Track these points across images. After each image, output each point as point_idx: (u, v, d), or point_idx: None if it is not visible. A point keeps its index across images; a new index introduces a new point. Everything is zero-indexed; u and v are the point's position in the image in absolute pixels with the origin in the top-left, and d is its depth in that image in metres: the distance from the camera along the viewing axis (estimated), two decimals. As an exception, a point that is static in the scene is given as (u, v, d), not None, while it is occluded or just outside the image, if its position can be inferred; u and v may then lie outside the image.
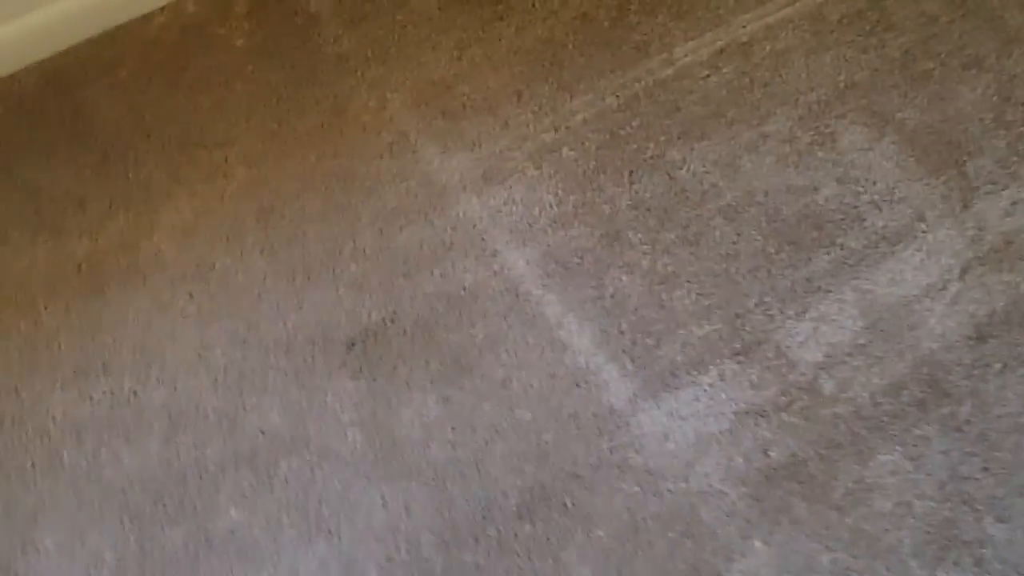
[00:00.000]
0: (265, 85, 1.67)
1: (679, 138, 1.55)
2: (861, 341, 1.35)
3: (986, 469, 1.25)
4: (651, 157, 1.54)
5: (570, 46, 1.68)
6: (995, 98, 1.56)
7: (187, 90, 1.67)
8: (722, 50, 1.65)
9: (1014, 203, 1.46)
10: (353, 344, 1.38)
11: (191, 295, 1.45)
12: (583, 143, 1.56)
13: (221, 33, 1.73)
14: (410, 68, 1.67)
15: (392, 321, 1.40)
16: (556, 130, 1.58)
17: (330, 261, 1.46)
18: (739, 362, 1.34)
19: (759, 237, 1.45)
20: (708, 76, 1.62)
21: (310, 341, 1.39)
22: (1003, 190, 1.47)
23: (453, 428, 1.30)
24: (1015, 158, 1.49)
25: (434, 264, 1.45)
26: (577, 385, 1.33)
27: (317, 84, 1.67)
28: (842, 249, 1.43)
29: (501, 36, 1.70)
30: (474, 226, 1.49)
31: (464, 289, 1.43)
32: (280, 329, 1.40)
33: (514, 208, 1.50)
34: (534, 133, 1.58)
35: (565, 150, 1.56)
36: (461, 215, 1.50)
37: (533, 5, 1.72)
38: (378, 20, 1.74)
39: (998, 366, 1.32)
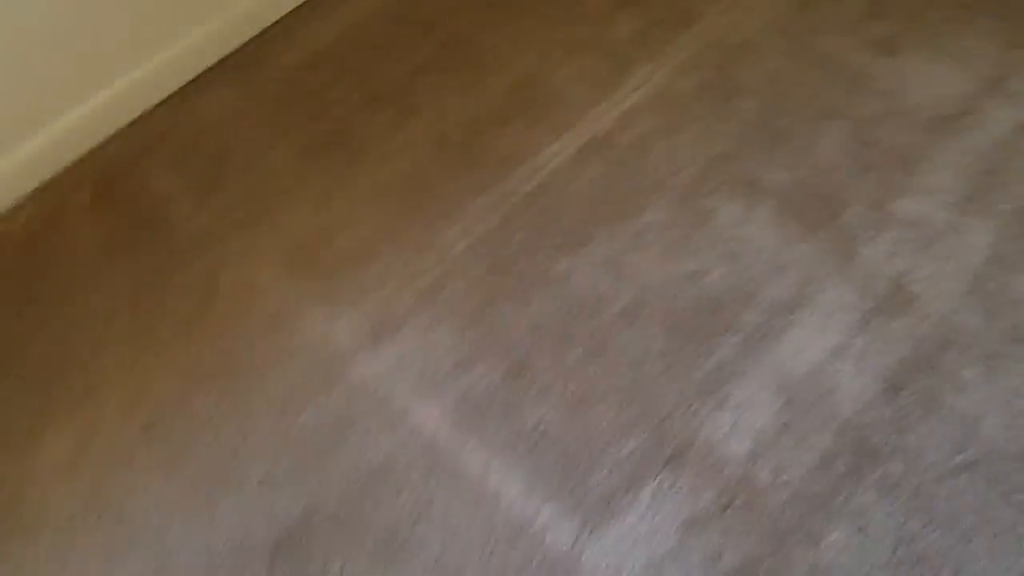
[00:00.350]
0: (125, 281, 1.68)
1: (562, 248, 1.64)
2: (783, 420, 1.44)
3: (930, 522, 1.35)
4: (539, 274, 1.62)
5: (434, 173, 1.76)
6: (854, 143, 1.70)
7: (41, 306, 1.67)
8: (584, 147, 1.75)
9: (895, 244, 1.59)
10: (277, 549, 1.39)
11: (89, 536, 1.44)
12: (468, 273, 1.63)
13: (65, 234, 1.75)
14: (275, 230, 1.72)
15: (313, 513, 1.42)
16: (439, 265, 1.65)
17: (233, 462, 1.48)
18: (672, 471, 1.42)
19: (662, 334, 1.54)
20: (576, 177, 1.71)
21: (231, 557, 1.39)
22: (881, 233, 1.60)
23: (400, 616, 1.33)
24: (886, 199, 1.63)
25: (344, 439, 1.49)
26: (518, 536, 1.38)
27: (181, 268, 1.70)
28: (744, 329, 1.52)
29: (362, 177, 1.77)
30: (377, 388, 1.53)
31: (381, 459, 1.46)
32: (196, 551, 1.41)
33: (414, 359, 1.55)
34: (417, 273, 1.64)
35: (452, 284, 1.62)
36: (361, 379, 1.54)
37: (387, 139, 1.80)
38: (231, 187, 1.78)
39: (917, 413, 1.43)
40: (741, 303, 1.55)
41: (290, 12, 2.02)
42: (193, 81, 1.95)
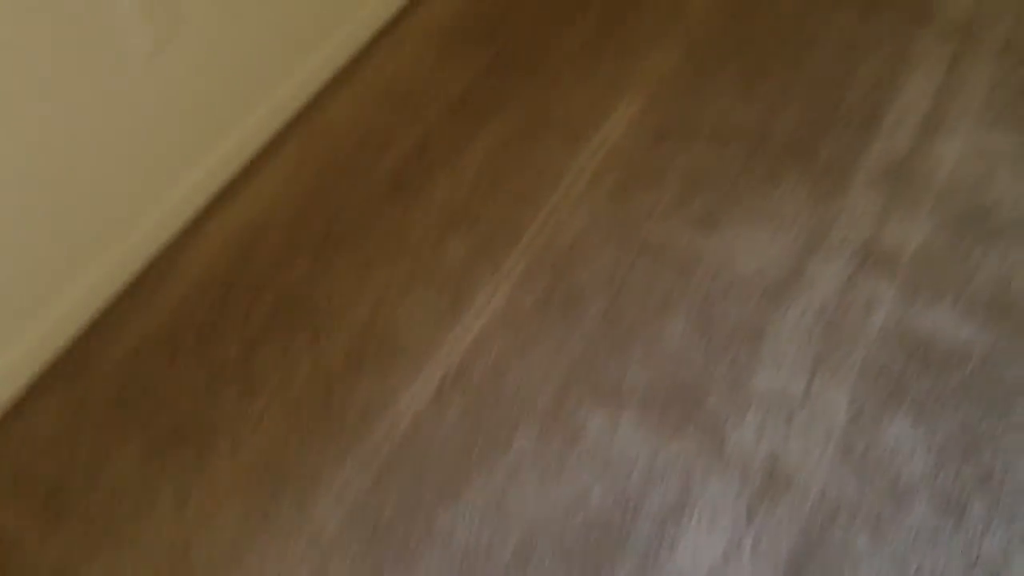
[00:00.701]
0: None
1: (440, 500, 1.68)
2: (697, 638, 1.49)
3: None
4: (422, 534, 1.64)
5: (294, 445, 1.78)
6: (699, 326, 1.83)
7: None
8: (441, 386, 1.82)
9: (760, 423, 1.70)
10: None
11: None
12: (348, 550, 1.64)
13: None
14: (134, 549, 1.70)
15: None
16: (316, 547, 1.65)
17: None
18: None
19: (559, 572, 1.58)
20: (440, 419, 1.77)
21: None
22: (745, 415, 1.71)
23: None
24: (741, 378, 1.75)
25: None
26: None
27: (35, 617, 1.64)
28: (637, 546, 1.59)
29: (218, 467, 1.77)
30: None
31: None
32: None
33: (308, 663, 1.54)
34: (295, 563, 1.64)
35: (333, 568, 1.63)
36: None
37: (237, 419, 1.82)
38: (78, 509, 1.76)
39: (822, 599, 1.50)
40: (629, 519, 1.62)
41: (111, 303, 2.04)
42: (17, 398, 1.93)
